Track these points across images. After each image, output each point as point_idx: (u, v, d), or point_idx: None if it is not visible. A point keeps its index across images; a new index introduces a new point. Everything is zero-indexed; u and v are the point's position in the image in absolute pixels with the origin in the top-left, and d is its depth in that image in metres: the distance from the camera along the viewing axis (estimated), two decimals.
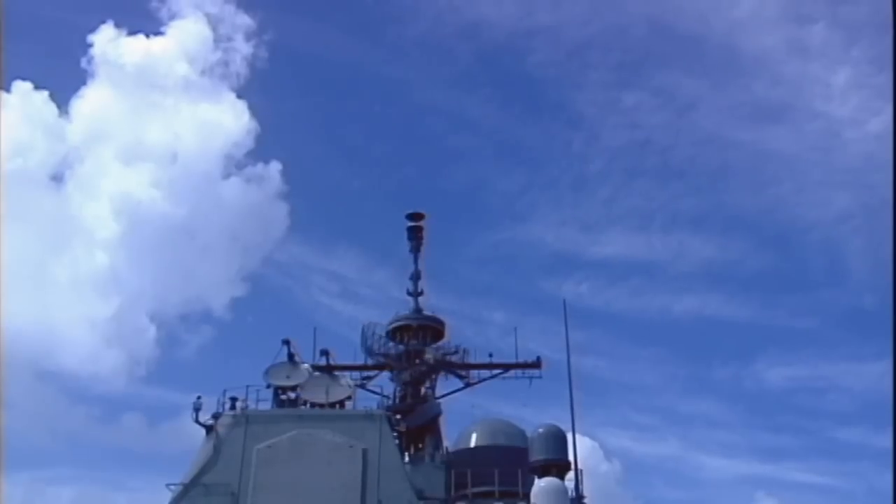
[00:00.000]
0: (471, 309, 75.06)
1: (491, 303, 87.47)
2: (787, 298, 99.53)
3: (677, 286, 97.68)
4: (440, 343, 43.58)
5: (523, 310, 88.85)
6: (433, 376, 42.95)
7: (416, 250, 45.44)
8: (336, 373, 38.04)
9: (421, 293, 44.50)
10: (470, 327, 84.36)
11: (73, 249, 77.87)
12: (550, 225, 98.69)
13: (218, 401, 34.73)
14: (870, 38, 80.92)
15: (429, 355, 42.40)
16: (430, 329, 43.60)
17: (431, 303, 44.87)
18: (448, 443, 39.88)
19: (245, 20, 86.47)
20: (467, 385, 43.22)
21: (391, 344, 43.27)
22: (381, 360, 42.74)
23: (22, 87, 76.23)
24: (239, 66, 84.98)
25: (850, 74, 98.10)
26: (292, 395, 36.27)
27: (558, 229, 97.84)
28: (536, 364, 42.58)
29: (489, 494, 34.44)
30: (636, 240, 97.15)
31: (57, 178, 78.42)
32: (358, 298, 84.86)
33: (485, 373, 43.06)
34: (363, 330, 42.87)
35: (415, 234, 45.62)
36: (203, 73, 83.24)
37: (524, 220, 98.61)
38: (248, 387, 35.15)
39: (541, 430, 34.02)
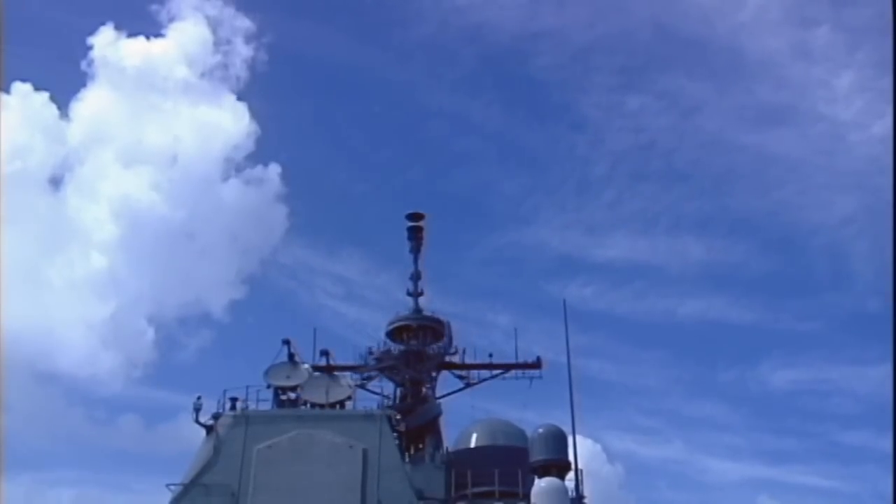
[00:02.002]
0: (475, 312, 74.97)
1: (495, 305, 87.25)
2: (791, 301, 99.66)
3: (681, 289, 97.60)
4: (440, 343, 43.62)
5: (527, 313, 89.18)
6: (433, 376, 43.00)
7: (416, 250, 45.49)
8: (336, 373, 38.09)
9: (421, 293, 44.58)
10: (474, 330, 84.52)
11: (71, 252, 77.75)
12: (554, 228, 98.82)
13: (218, 401, 34.78)
14: (873, 41, 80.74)
15: None
16: (431, 329, 43.62)
17: (435, 305, 45.01)
18: (448, 443, 39.87)
19: (245, 23, 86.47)
20: (467, 385, 43.30)
21: (391, 344, 43.33)
22: (381, 361, 42.71)
23: (22, 89, 76.28)
24: (239, 68, 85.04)
25: (854, 77, 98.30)
26: (292, 395, 36.32)
27: (562, 232, 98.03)
28: (536, 364, 42.63)
29: (489, 494, 34.35)
30: (640, 243, 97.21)
31: (56, 181, 78.39)
32: (363, 301, 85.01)
33: (485, 373, 43.16)
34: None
35: (415, 235, 45.67)
36: (203, 75, 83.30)
37: (528, 223, 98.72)
38: (248, 387, 35.22)
39: (541, 430, 33.98)
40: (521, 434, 36.95)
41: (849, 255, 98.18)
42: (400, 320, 43.79)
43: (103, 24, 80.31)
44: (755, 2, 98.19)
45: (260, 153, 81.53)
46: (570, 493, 32.72)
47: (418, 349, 42.74)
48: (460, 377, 43.31)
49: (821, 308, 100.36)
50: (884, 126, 77.49)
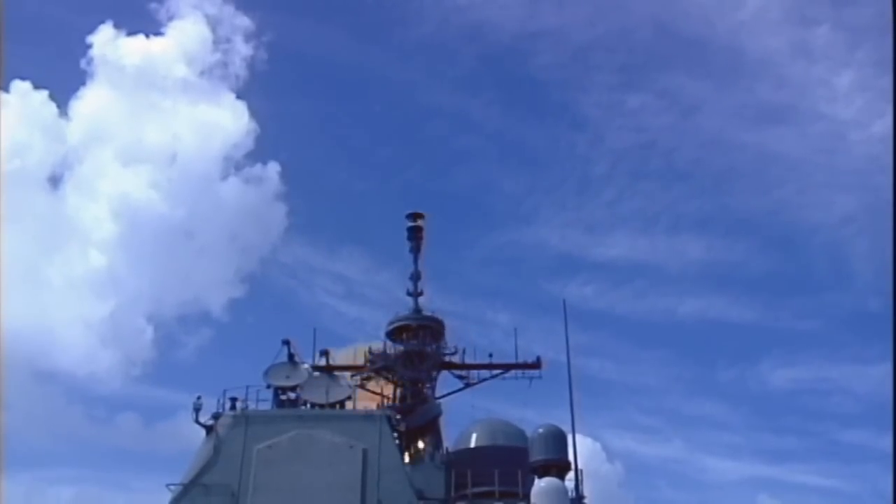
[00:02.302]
0: (475, 310, 75.25)
1: (495, 304, 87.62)
2: (791, 300, 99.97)
3: (681, 288, 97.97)
4: (440, 343, 43.59)
5: (527, 311, 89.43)
6: (433, 376, 42.98)
7: (416, 250, 45.47)
8: (336, 373, 38.10)
9: (421, 293, 44.54)
10: (474, 329, 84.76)
11: (70, 250, 77.92)
12: (555, 227, 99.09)
13: (218, 401, 34.77)
14: (873, 40, 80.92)
15: None
16: (430, 329, 43.57)
17: (436, 304, 45.03)
18: (448, 443, 39.87)
19: (244, 21, 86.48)
20: (467, 385, 43.27)
21: (391, 344, 43.29)
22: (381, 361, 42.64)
23: (21, 87, 76.26)
24: (238, 67, 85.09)
25: (854, 77, 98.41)
26: (292, 395, 36.28)
27: (562, 231, 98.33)
28: (536, 364, 42.62)
29: (489, 495, 34.34)
30: (640, 242, 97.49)
31: (55, 179, 78.49)
32: (363, 300, 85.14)
33: (485, 373, 43.14)
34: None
35: (414, 235, 45.65)
36: (202, 73, 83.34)
37: (529, 222, 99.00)
38: (247, 387, 35.20)
39: (541, 430, 33.96)
40: (521, 434, 36.91)
41: (849, 254, 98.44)
42: (400, 320, 43.76)
43: (103, 22, 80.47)
44: (755, 1, 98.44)
45: (259, 152, 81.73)
46: (569, 493, 32.73)
47: (418, 349, 42.71)
48: (460, 377, 43.31)
49: (821, 307, 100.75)
50: (884, 125, 77.60)
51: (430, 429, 41.03)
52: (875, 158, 78.70)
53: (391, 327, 43.62)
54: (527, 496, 32.43)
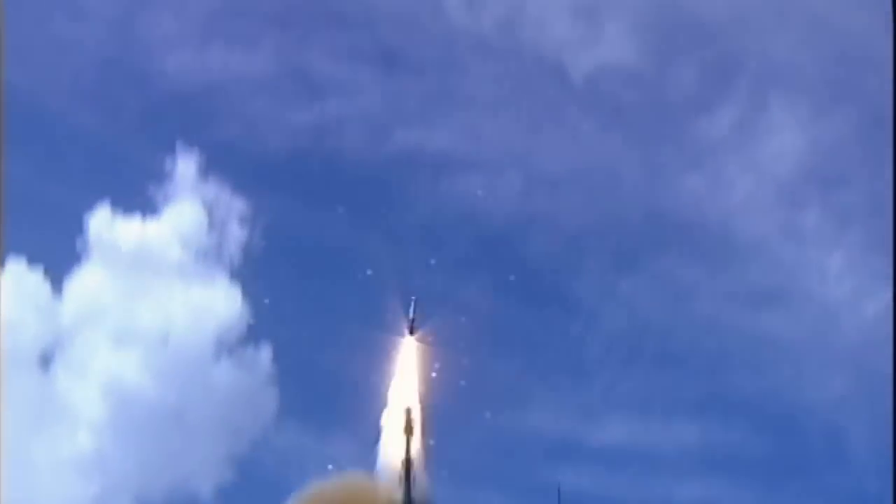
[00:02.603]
0: (468, 497, 73.55)
1: (489, 492, 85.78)
2: (789, 482, 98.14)
3: (678, 473, 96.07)
4: None
5: (522, 499, 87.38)
6: None
7: (408, 435, 45.00)
8: None
9: (413, 480, 43.78)
10: None
11: (58, 431, 76.52)
12: (548, 412, 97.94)
13: None
14: (863, 222, 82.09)
15: None
16: None
17: (425, 489, 44.08)
18: None
19: (240, 204, 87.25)
20: None
21: None
22: None
23: (15, 266, 76.47)
24: (233, 249, 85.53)
25: (845, 258, 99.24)
26: None
27: (556, 416, 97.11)
28: None
29: None
30: (636, 426, 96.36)
31: (46, 359, 77.91)
32: None
33: None
34: None
35: (407, 420, 45.26)
36: (197, 256, 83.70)
37: (522, 406, 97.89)
38: None
39: None
40: None
41: (846, 434, 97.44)
42: None
43: (100, 201, 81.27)
44: (745, 186, 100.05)
45: (252, 335, 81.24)
46: None
47: None
48: None
49: (820, 488, 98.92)
50: (875, 305, 78.07)
51: None
52: (868, 338, 78.80)
53: None
54: None
